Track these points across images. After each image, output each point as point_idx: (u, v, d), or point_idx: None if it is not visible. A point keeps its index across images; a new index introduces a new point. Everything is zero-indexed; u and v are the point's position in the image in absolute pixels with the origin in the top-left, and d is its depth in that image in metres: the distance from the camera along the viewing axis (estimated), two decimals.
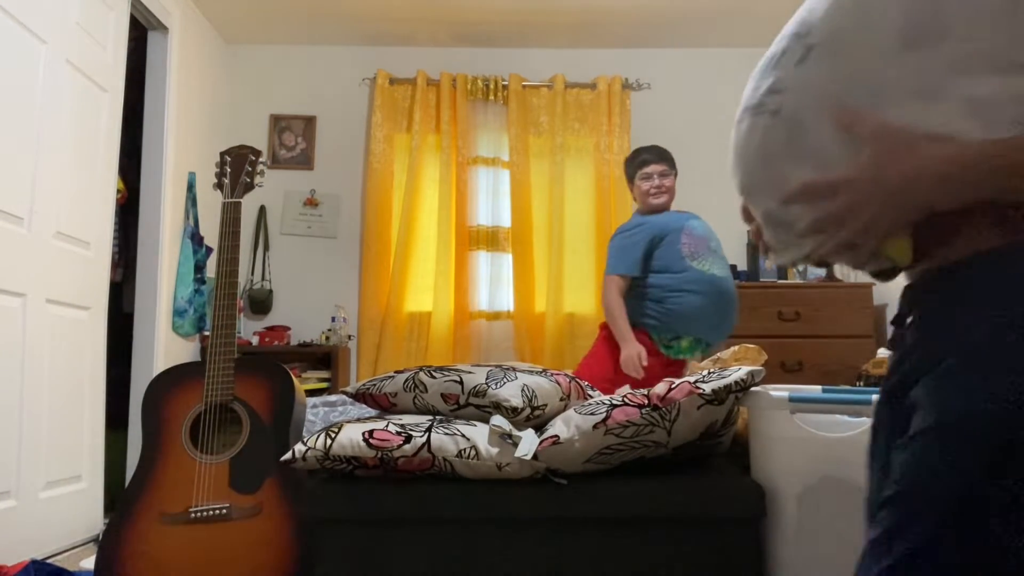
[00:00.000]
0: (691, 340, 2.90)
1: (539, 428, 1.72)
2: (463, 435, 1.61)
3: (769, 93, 0.84)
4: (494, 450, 1.60)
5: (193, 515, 1.93)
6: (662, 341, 2.90)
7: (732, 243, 4.22)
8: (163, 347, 3.66)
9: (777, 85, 0.83)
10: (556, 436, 1.59)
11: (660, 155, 3.09)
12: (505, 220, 4.43)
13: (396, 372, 1.83)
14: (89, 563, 2.49)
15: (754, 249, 4.22)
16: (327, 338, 4.13)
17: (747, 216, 0.93)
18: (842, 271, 4.31)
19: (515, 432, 1.62)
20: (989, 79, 0.72)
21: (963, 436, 0.67)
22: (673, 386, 1.64)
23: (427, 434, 1.61)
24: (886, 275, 0.87)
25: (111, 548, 1.90)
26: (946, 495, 0.66)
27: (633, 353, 2.83)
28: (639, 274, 2.93)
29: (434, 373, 1.76)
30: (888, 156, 0.74)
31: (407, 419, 1.69)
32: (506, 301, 4.39)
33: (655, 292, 2.92)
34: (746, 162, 0.88)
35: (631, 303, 2.95)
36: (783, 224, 0.85)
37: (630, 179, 3.15)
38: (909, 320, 0.82)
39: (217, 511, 1.93)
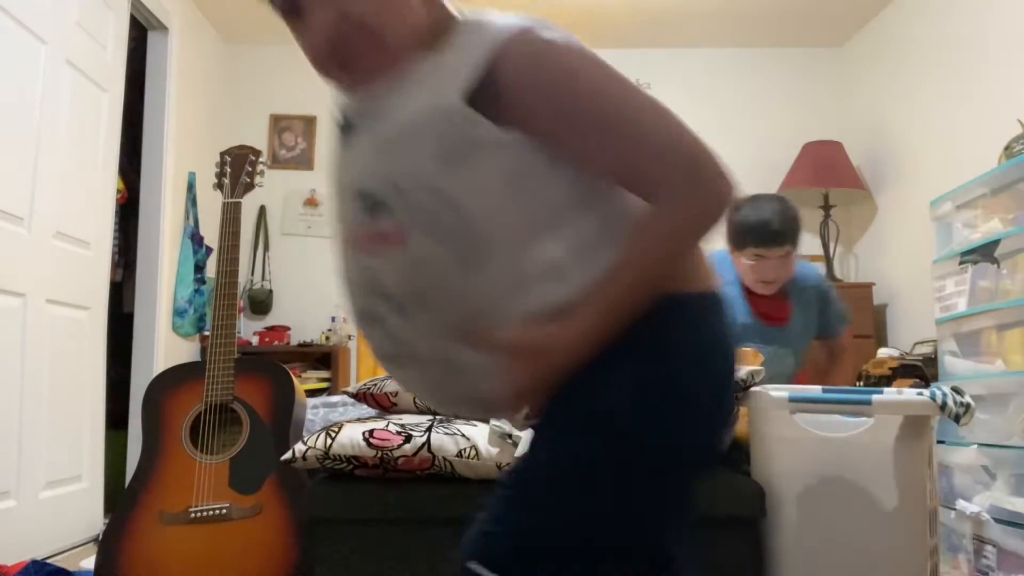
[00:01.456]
0: None
1: None
2: (463, 435, 1.61)
3: (400, 344, 0.93)
4: (494, 450, 1.60)
5: (193, 515, 1.93)
6: None
7: None
8: (163, 347, 3.66)
9: (403, 339, 0.92)
10: None
11: (774, 234, 2.17)
12: None
13: None
14: (89, 563, 2.49)
15: None
16: (327, 338, 4.13)
17: None
18: (842, 271, 4.31)
19: (515, 432, 1.62)
20: (545, 246, 0.84)
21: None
22: None
23: (427, 434, 1.61)
24: None
25: (111, 548, 1.90)
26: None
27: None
28: None
29: None
30: (523, 354, 0.85)
31: (407, 419, 1.69)
32: None
33: None
34: (429, 399, 1.03)
35: None
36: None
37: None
38: None
39: (217, 511, 1.93)
